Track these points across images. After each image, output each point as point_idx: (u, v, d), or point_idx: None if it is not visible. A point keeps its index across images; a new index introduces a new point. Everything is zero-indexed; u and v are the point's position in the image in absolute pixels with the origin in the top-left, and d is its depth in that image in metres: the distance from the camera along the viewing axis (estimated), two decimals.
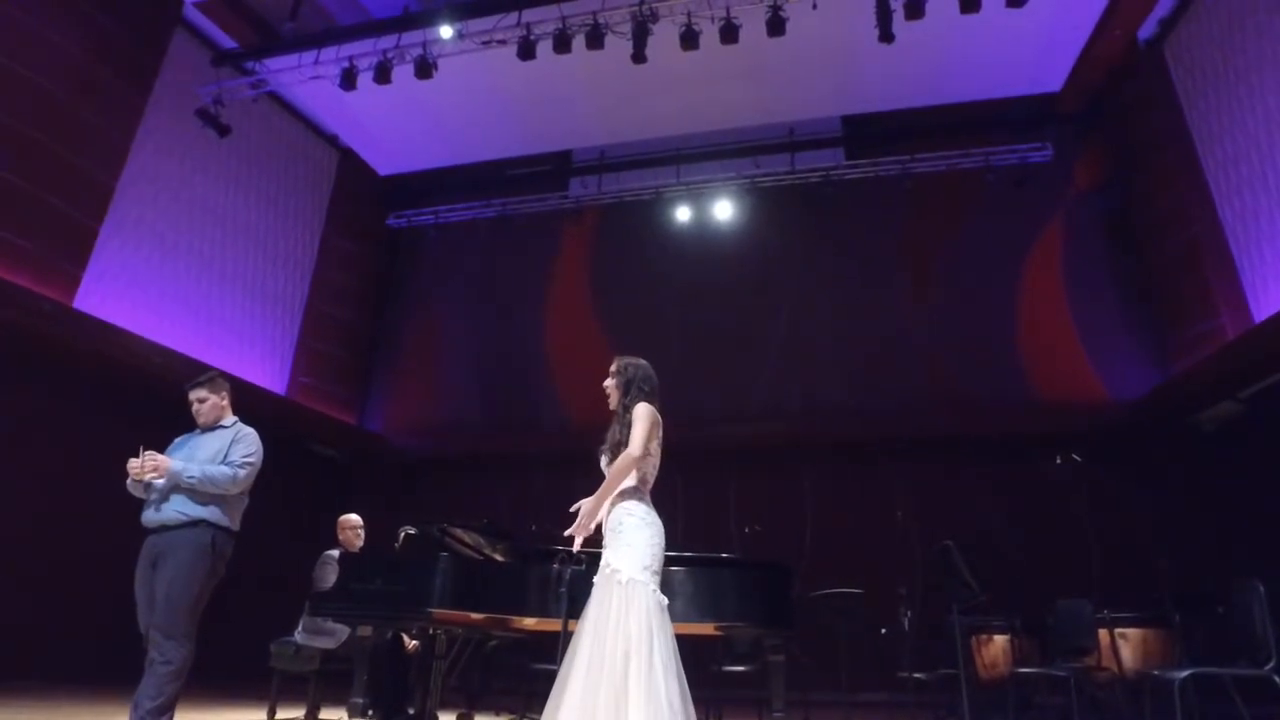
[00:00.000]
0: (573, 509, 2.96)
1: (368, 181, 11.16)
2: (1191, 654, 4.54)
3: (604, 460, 3.01)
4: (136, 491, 3.38)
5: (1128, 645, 4.75)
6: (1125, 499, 7.73)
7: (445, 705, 4.73)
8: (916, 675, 5.36)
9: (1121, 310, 8.96)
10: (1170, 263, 8.40)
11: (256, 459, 3.46)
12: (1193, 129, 8.06)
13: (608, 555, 2.84)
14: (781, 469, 9.10)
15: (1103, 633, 4.74)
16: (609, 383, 3.15)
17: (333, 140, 10.85)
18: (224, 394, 3.61)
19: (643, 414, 2.96)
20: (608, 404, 3.16)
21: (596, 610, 2.71)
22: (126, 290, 7.93)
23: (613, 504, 2.93)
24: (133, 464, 3.23)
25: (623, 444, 2.93)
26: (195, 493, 3.28)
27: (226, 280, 9.19)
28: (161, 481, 3.28)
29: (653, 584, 2.76)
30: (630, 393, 3.06)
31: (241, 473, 3.37)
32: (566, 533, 2.96)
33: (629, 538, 2.83)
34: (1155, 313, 8.66)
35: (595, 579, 2.84)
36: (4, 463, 6.97)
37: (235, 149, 9.21)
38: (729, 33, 7.32)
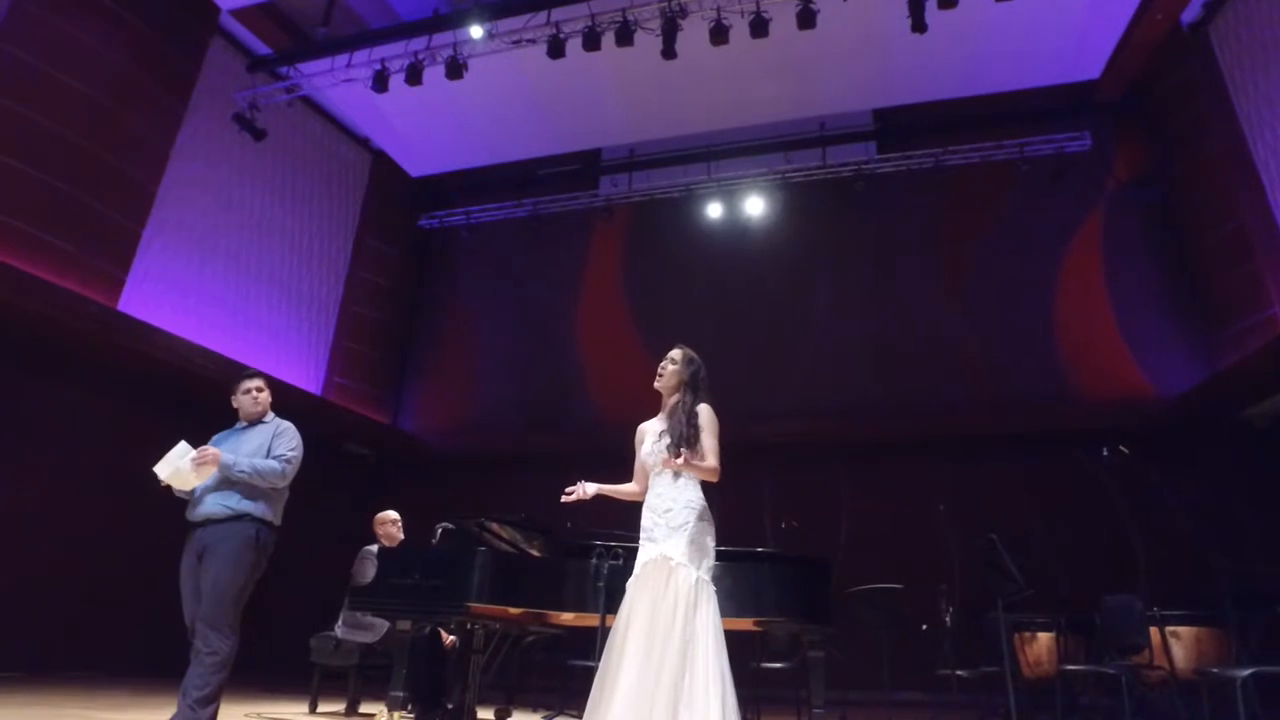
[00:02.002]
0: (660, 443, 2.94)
1: (400, 183, 11.27)
2: (1248, 653, 4.40)
3: (661, 444, 2.93)
4: (180, 492, 3.44)
5: (1180, 644, 4.62)
6: (1170, 495, 7.51)
7: (483, 701, 4.75)
8: (959, 673, 5.26)
9: (1165, 303, 8.71)
10: (1217, 253, 8.15)
11: (300, 452, 3.51)
12: (1240, 115, 7.81)
13: (666, 548, 2.77)
14: (816, 465, 9.00)
15: (1152, 631, 4.62)
16: (669, 367, 3.07)
17: (365, 143, 10.99)
18: (267, 390, 3.69)
19: (712, 422, 2.93)
20: (654, 384, 3.11)
21: (651, 605, 2.64)
22: (168, 293, 8.10)
23: (680, 506, 2.85)
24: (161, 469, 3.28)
25: (686, 440, 2.86)
26: (240, 487, 3.33)
27: (263, 282, 9.36)
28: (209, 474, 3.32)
29: (713, 585, 2.77)
30: (696, 390, 3.02)
31: (289, 467, 3.43)
32: (594, 488, 3.06)
33: (697, 538, 2.80)
34: (1201, 305, 8.40)
35: (642, 571, 2.78)
36: (50, 461, 7.17)
37: (271, 153, 9.37)
38: (759, 27, 7.27)
